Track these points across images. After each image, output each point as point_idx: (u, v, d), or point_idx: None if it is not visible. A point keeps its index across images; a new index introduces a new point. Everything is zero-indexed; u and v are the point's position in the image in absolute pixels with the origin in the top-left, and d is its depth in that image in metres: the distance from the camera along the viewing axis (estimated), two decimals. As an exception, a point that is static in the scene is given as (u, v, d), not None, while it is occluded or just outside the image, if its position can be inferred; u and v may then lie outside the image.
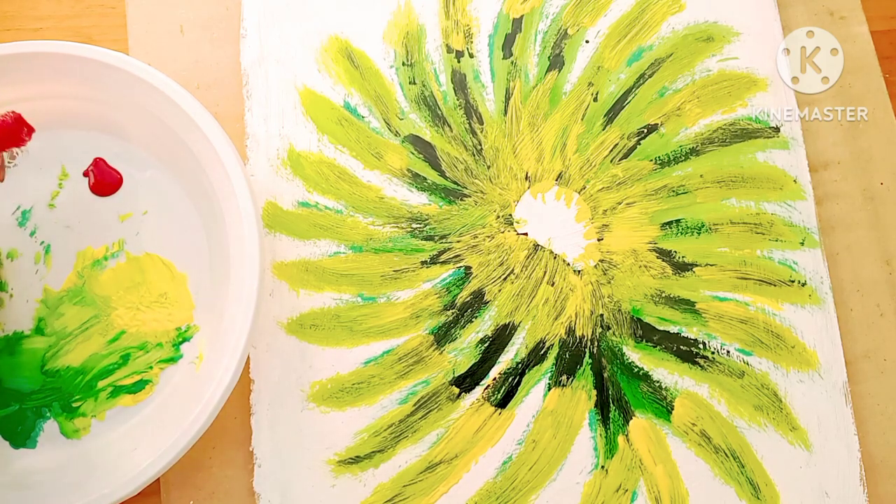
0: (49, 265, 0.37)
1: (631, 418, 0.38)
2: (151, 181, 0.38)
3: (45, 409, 0.36)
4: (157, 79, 0.35)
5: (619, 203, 0.41)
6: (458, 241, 0.40)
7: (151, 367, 0.36)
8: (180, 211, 0.38)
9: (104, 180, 0.38)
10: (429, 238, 0.40)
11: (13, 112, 0.37)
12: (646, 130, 0.42)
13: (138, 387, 0.36)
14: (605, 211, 0.41)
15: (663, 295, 0.40)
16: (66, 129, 0.38)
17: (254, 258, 0.33)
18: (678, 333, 0.39)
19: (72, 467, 0.34)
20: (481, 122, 0.41)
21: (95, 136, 0.38)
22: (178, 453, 0.32)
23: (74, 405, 0.36)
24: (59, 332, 0.37)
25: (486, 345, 0.39)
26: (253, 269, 0.33)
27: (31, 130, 0.38)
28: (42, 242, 0.38)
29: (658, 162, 0.41)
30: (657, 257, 0.40)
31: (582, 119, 0.42)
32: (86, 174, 0.38)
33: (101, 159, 0.38)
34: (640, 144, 0.42)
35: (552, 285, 0.40)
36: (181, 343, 0.37)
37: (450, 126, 0.41)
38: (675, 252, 0.40)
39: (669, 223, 0.41)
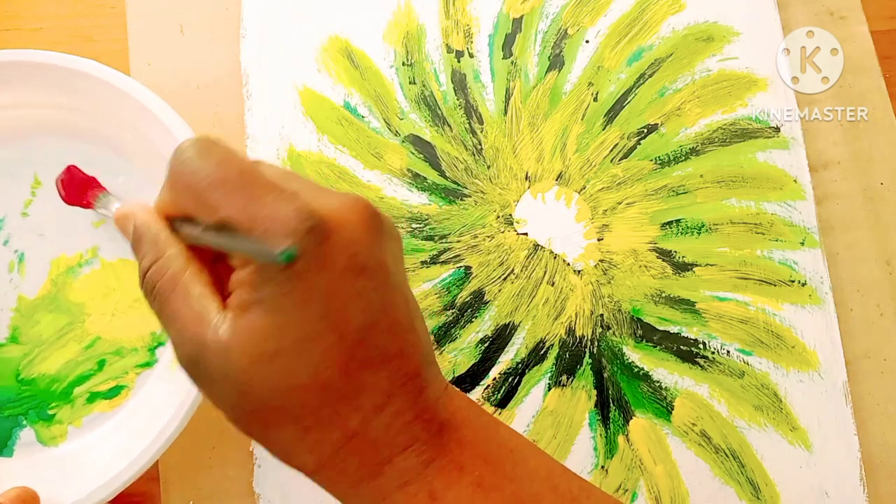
0: (23, 274, 0.37)
1: (631, 418, 0.38)
2: (124, 186, 0.38)
3: (21, 417, 0.36)
4: (129, 85, 0.35)
5: (619, 203, 0.41)
6: (458, 241, 0.40)
7: (127, 373, 0.36)
8: None
9: (78, 187, 0.38)
10: (429, 238, 0.40)
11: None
12: (646, 130, 0.42)
13: (114, 392, 0.36)
14: (605, 211, 0.41)
15: (663, 295, 0.40)
16: (38, 137, 0.38)
17: None
18: (678, 333, 0.39)
19: (48, 474, 0.34)
20: (481, 122, 0.41)
21: (67, 143, 0.38)
22: (153, 457, 0.32)
23: (51, 413, 0.36)
24: (35, 341, 0.37)
25: (486, 345, 0.39)
26: None
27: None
28: (16, 251, 0.38)
29: (658, 162, 0.41)
30: (657, 257, 0.40)
31: (582, 119, 0.42)
32: (58, 182, 0.38)
33: (73, 166, 0.38)
34: (640, 144, 0.42)
35: (552, 285, 0.40)
36: (156, 347, 0.37)
37: (450, 126, 0.41)
38: (675, 252, 0.40)
39: (669, 223, 0.41)
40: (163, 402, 0.34)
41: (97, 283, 0.37)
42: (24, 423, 0.36)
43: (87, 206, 0.37)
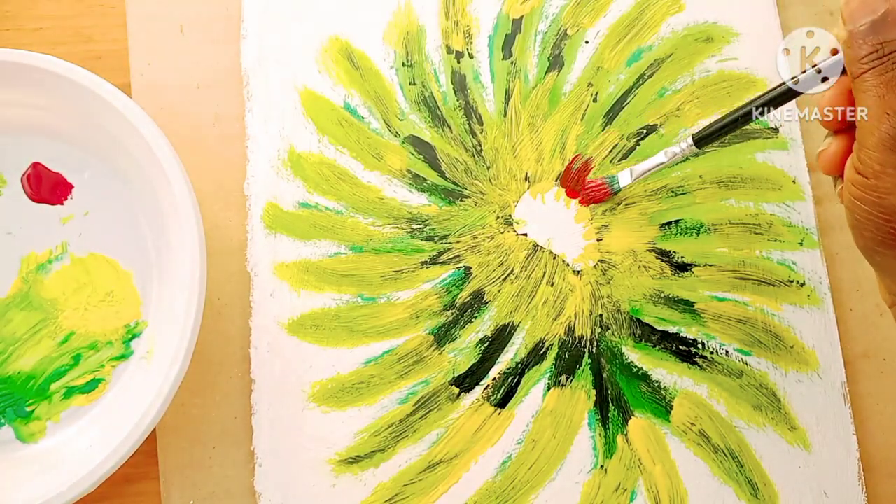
0: None
1: (630, 418, 0.38)
2: (90, 182, 0.38)
3: None
4: (88, 80, 0.35)
5: (618, 203, 0.41)
6: (458, 242, 0.40)
7: (103, 366, 0.37)
8: (121, 209, 0.38)
9: (45, 184, 0.38)
10: (429, 239, 0.40)
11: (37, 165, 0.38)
12: (645, 131, 0.42)
13: (91, 386, 0.36)
14: (605, 211, 0.41)
15: (662, 295, 0.40)
16: (1, 136, 0.38)
17: (193, 245, 0.33)
18: (677, 333, 0.39)
19: (29, 470, 0.35)
20: (481, 123, 0.41)
21: (31, 140, 0.38)
22: (131, 448, 0.32)
23: (28, 410, 0.36)
24: (8, 339, 0.37)
25: (485, 345, 0.39)
26: (194, 256, 0.33)
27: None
28: None
29: (657, 162, 0.41)
30: (656, 258, 0.40)
31: (581, 120, 0.42)
32: (24, 179, 0.38)
33: (39, 163, 0.38)
34: (639, 145, 0.42)
35: (551, 286, 0.40)
36: (131, 340, 0.37)
37: (450, 127, 0.41)
38: (674, 252, 0.40)
39: (668, 223, 0.41)
40: (140, 392, 0.34)
41: (68, 278, 0.37)
42: (3, 421, 0.36)
43: (55, 202, 0.37)
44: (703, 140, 0.36)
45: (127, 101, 0.35)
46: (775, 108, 0.32)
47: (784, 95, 0.32)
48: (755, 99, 0.33)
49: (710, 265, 0.40)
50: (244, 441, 0.37)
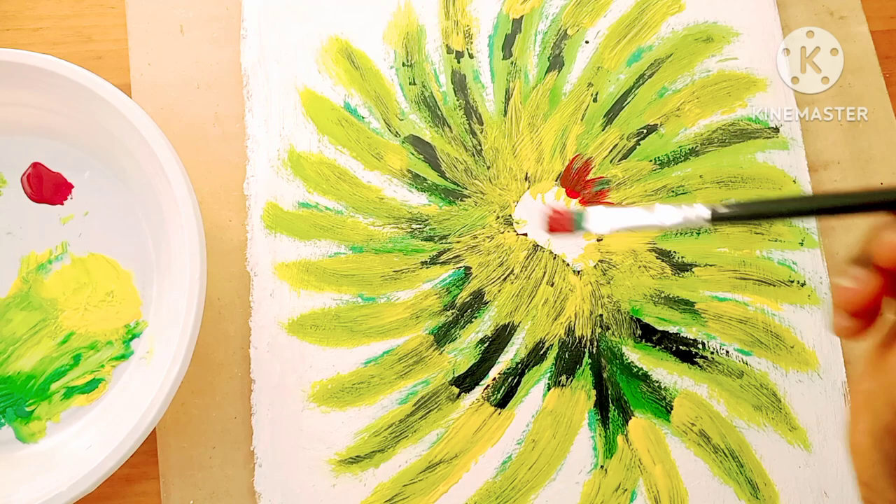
0: None
1: (630, 418, 0.38)
2: (90, 182, 0.38)
3: None
4: (89, 80, 0.35)
5: (619, 203, 0.41)
6: (458, 242, 0.40)
7: (103, 366, 0.37)
8: (121, 209, 0.38)
9: (45, 185, 0.38)
10: (429, 238, 0.40)
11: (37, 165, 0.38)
12: (645, 131, 0.42)
13: (91, 386, 0.36)
14: (605, 211, 0.41)
15: (662, 295, 0.40)
16: (1, 135, 0.38)
17: (193, 245, 0.33)
18: (677, 333, 0.39)
19: (28, 469, 0.35)
20: (481, 123, 0.41)
21: (31, 140, 0.38)
22: (131, 448, 0.32)
23: (29, 409, 0.36)
24: (8, 339, 0.37)
25: (485, 345, 0.39)
26: (194, 256, 0.33)
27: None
28: None
29: (657, 162, 0.41)
30: (656, 257, 0.40)
31: (581, 119, 0.42)
32: (24, 179, 0.38)
33: (39, 164, 0.38)
34: (639, 145, 0.42)
35: (552, 286, 0.40)
36: (131, 340, 0.37)
37: (450, 127, 0.41)
38: (675, 252, 0.40)
39: (669, 223, 0.41)
40: (140, 392, 0.34)
41: (68, 278, 0.37)
42: (3, 421, 0.36)
43: (55, 202, 0.37)
44: (719, 220, 0.27)
45: (127, 101, 0.35)
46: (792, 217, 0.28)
47: (810, 212, 0.26)
48: (776, 200, 0.27)
49: (711, 265, 0.40)
50: (244, 441, 0.37)
